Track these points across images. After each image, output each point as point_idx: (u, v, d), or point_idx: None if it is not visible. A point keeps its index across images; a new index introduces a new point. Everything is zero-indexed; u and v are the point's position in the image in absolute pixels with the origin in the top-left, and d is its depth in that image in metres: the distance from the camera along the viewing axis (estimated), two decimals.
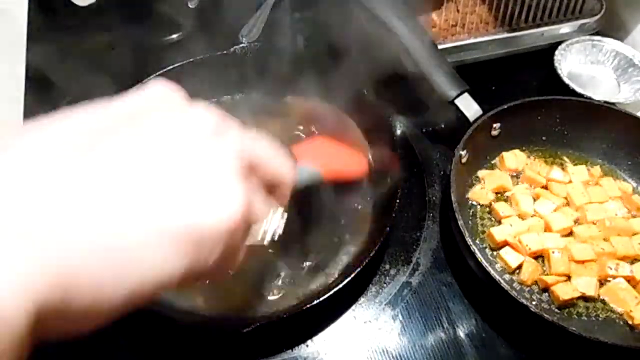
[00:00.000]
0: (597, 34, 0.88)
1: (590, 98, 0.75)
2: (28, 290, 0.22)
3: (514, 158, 0.72)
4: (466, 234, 0.59)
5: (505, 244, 0.65)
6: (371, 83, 0.73)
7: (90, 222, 0.24)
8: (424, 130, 0.80)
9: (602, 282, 0.63)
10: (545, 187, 0.71)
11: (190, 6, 0.95)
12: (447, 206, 0.64)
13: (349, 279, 0.56)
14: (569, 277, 0.62)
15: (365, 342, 0.61)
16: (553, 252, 0.63)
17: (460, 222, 0.60)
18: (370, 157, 0.70)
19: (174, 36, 0.90)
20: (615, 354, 0.54)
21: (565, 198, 0.69)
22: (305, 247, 0.65)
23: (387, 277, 0.65)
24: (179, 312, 0.58)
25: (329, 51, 0.89)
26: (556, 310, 0.61)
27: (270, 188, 0.36)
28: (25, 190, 0.24)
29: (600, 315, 0.61)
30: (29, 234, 0.23)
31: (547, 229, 0.66)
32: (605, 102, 0.74)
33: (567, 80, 0.79)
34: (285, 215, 0.37)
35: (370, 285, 0.65)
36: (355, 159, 0.68)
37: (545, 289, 0.63)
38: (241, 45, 0.77)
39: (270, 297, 0.61)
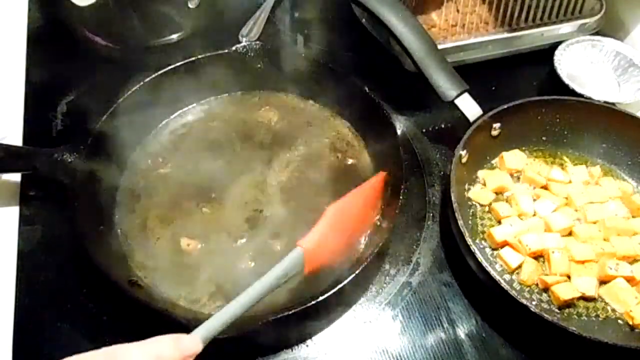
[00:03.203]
0: (597, 34, 0.88)
1: (590, 98, 0.75)
2: None
3: (514, 158, 0.72)
4: (466, 234, 0.59)
5: (505, 244, 0.65)
6: (371, 83, 0.73)
7: None
8: (424, 130, 0.80)
9: (602, 282, 0.63)
10: (545, 187, 0.71)
11: (190, 6, 0.95)
12: (447, 206, 0.64)
13: (349, 279, 0.56)
14: (569, 277, 0.63)
15: (365, 342, 0.61)
16: (553, 252, 0.63)
17: (460, 222, 0.60)
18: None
19: (174, 36, 0.90)
20: (615, 354, 0.54)
21: (565, 198, 0.69)
22: None
23: (387, 277, 0.65)
24: (180, 311, 0.58)
25: (329, 51, 0.89)
26: (556, 310, 0.61)
27: None
28: None
29: (600, 315, 0.61)
30: None
31: (547, 229, 0.66)
32: (605, 102, 0.74)
33: (567, 80, 0.79)
34: None
35: (370, 285, 0.65)
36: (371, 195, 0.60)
37: (545, 289, 0.63)
38: (242, 44, 0.77)
39: (270, 297, 0.61)
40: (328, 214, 0.54)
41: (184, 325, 0.53)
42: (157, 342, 0.37)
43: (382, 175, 0.62)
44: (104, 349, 0.36)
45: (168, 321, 0.54)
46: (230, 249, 0.65)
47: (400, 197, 0.62)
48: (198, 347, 0.39)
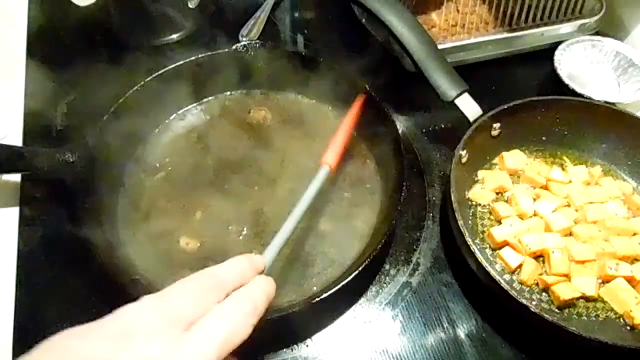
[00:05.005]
0: (597, 34, 0.88)
1: (590, 98, 0.75)
2: None
3: (514, 158, 0.72)
4: (466, 234, 0.59)
5: (505, 244, 0.65)
6: (371, 83, 0.73)
7: None
8: (424, 130, 0.80)
9: (602, 282, 0.63)
10: (545, 187, 0.71)
11: (190, 6, 0.95)
12: (447, 206, 0.64)
13: (349, 279, 0.56)
14: (569, 277, 0.63)
15: (365, 342, 0.61)
16: (553, 252, 0.63)
17: (460, 222, 0.60)
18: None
19: (174, 36, 0.90)
20: (615, 354, 0.54)
21: (565, 198, 0.69)
22: (306, 246, 0.65)
23: (387, 277, 0.65)
24: None
25: (329, 51, 0.89)
26: (556, 310, 0.61)
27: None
28: None
29: (600, 315, 0.61)
30: None
31: (547, 229, 0.66)
32: (605, 102, 0.74)
33: (567, 80, 0.79)
34: None
35: (370, 286, 0.65)
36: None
37: (545, 289, 0.63)
38: (242, 44, 0.77)
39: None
40: (340, 133, 0.66)
41: None
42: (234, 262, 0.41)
43: (362, 97, 0.71)
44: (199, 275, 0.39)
45: None
46: (231, 248, 0.65)
47: (401, 197, 0.62)
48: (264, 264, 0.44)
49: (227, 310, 0.36)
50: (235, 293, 0.37)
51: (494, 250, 0.66)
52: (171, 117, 0.77)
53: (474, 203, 0.70)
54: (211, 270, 0.38)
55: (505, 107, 0.70)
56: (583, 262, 0.63)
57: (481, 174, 0.72)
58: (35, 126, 0.78)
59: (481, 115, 0.70)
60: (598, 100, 0.74)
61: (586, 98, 0.75)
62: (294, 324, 0.60)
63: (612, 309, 0.62)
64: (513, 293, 0.55)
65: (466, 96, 0.70)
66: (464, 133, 0.67)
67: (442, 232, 0.69)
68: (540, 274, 0.63)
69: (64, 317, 0.61)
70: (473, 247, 0.59)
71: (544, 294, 0.63)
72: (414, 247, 0.68)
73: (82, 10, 0.92)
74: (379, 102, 0.71)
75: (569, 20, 0.87)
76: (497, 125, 0.71)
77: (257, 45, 0.78)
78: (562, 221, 0.66)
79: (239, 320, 0.36)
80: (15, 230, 0.67)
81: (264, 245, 0.65)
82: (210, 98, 0.80)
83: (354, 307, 0.63)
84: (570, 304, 0.61)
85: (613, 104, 0.74)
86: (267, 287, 0.40)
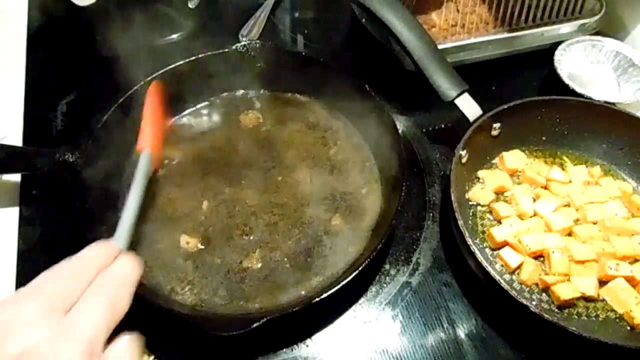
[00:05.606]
0: (597, 34, 0.88)
1: (590, 98, 0.75)
2: None
3: (514, 158, 0.72)
4: (466, 234, 0.59)
5: (505, 244, 0.65)
6: (371, 83, 0.73)
7: None
8: (424, 130, 0.80)
9: (602, 282, 0.63)
10: (545, 187, 0.71)
11: (190, 6, 0.95)
12: (447, 206, 0.64)
13: (349, 278, 0.56)
14: (569, 277, 0.63)
15: (365, 342, 0.61)
16: (553, 252, 0.63)
17: (460, 222, 0.60)
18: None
19: (174, 36, 0.90)
20: (615, 354, 0.54)
21: (565, 198, 0.69)
22: (306, 247, 0.65)
23: (387, 277, 0.65)
24: (181, 310, 0.58)
25: (329, 51, 0.89)
26: (556, 310, 0.61)
27: None
28: None
29: (600, 315, 0.61)
30: None
31: (547, 229, 0.66)
32: (605, 102, 0.74)
33: (567, 80, 0.79)
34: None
35: (370, 286, 0.65)
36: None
37: (545, 289, 0.63)
38: (242, 44, 0.77)
39: (270, 297, 0.61)
40: (145, 120, 0.63)
41: (189, 323, 0.53)
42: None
43: (154, 85, 0.67)
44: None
45: (170, 319, 0.55)
46: (232, 245, 0.65)
47: (401, 197, 0.62)
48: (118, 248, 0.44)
49: (100, 287, 0.38)
50: (102, 272, 0.39)
51: (494, 250, 0.66)
52: (170, 118, 0.77)
53: (474, 203, 0.70)
54: (71, 259, 0.40)
55: (505, 107, 0.70)
56: (583, 262, 0.63)
57: (481, 174, 0.72)
58: (35, 126, 0.78)
59: (481, 115, 0.70)
60: (598, 100, 0.74)
61: (586, 98, 0.75)
62: (294, 324, 0.60)
63: (612, 309, 0.62)
64: (513, 293, 0.55)
65: (466, 96, 0.70)
66: (464, 133, 0.67)
67: (442, 232, 0.69)
68: (540, 274, 0.63)
69: None
70: (473, 247, 0.59)
71: (544, 294, 0.63)
72: (414, 247, 0.68)
73: (82, 10, 0.92)
74: (379, 102, 0.71)
75: (569, 20, 0.87)
76: (497, 125, 0.71)
77: (257, 45, 0.78)
78: (562, 221, 0.66)
79: (114, 292, 0.38)
80: (15, 230, 0.67)
81: (275, 235, 0.65)
82: (210, 97, 0.80)
83: (354, 307, 0.63)
84: (570, 304, 0.61)
85: (613, 104, 0.74)
86: (130, 262, 0.41)
